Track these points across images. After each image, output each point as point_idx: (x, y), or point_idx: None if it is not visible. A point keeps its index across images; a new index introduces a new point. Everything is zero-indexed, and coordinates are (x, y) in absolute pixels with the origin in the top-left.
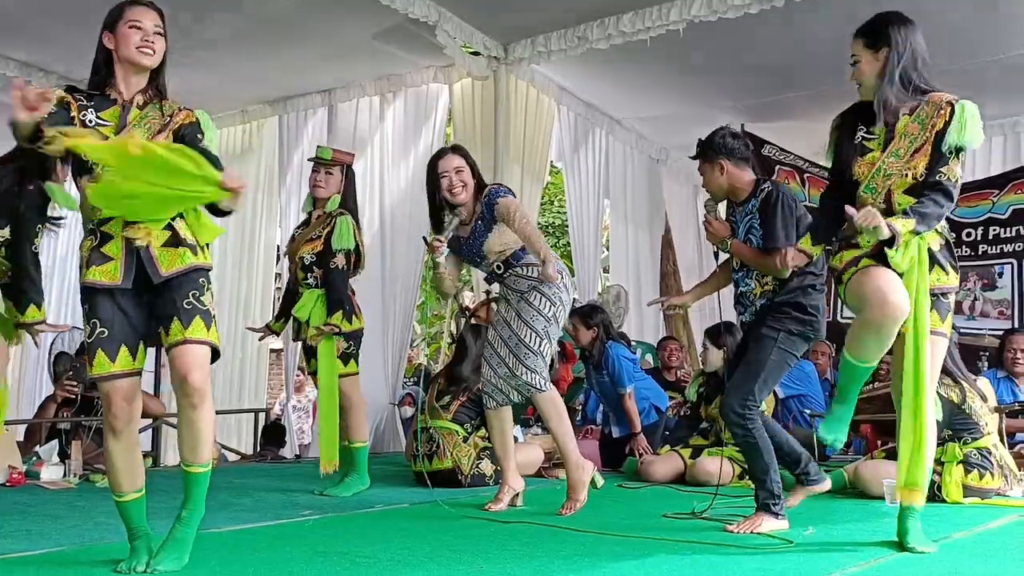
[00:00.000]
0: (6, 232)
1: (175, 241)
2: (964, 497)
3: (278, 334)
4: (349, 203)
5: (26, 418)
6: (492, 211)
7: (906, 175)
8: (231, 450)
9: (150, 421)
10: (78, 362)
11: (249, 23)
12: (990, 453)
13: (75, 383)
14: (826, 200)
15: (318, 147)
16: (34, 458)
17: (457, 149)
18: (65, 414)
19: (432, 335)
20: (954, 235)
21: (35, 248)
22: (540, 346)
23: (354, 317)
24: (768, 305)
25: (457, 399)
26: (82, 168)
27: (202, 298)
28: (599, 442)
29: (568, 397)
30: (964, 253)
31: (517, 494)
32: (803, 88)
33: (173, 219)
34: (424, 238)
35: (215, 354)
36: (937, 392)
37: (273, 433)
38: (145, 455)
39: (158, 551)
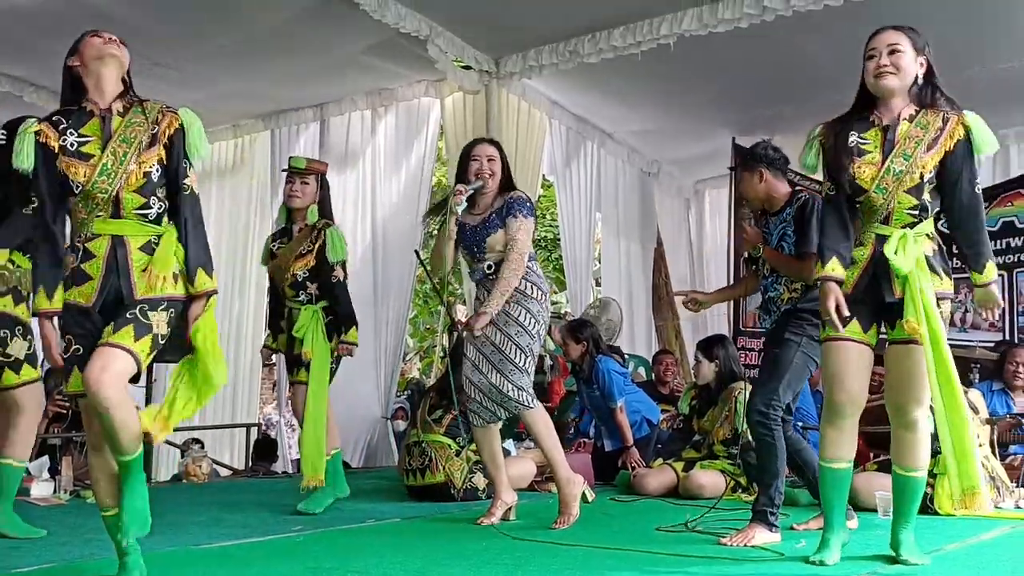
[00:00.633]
0: None
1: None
2: (956, 509)
3: (278, 351)
4: (327, 213)
5: None
6: (511, 213)
7: (915, 173)
8: (223, 465)
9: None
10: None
11: (241, 38)
12: (982, 465)
13: (66, 398)
14: (836, 221)
15: (291, 157)
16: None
17: (493, 141)
18: (56, 429)
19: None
20: (944, 247)
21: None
22: (525, 363)
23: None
24: (790, 310)
25: (449, 413)
26: (66, 189)
27: (149, 313)
28: (591, 455)
29: (561, 411)
30: (954, 265)
31: (510, 508)
32: (794, 102)
33: (157, 244)
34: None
35: (137, 374)
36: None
37: (265, 448)
38: None
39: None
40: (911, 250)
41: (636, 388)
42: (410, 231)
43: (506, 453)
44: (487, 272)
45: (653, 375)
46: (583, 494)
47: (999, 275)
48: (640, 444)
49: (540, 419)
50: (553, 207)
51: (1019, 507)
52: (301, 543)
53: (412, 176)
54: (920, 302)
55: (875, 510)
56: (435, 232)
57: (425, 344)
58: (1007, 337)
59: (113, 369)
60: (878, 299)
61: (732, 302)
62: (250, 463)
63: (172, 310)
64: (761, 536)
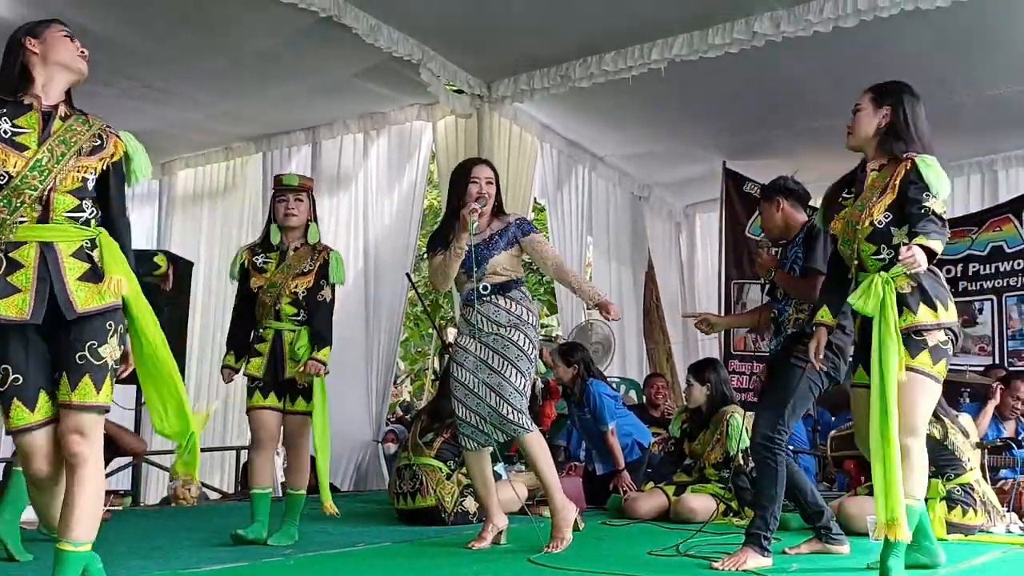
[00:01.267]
0: None
1: (93, 275)
2: (948, 533)
3: (238, 372)
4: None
5: (4, 457)
6: (520, 235)
7: (865, 222)
8: (212, 488)
9: (129, 459)
10: None
11: (234, 60)
12: (973, 489)
13: None
14: (830, 273)
15: (282, 175)
16: None
17: (489, 162)
18: None
19: (416, 371)
20: (936, 277)
21: None
22: (524, 386)
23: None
24: (797, 334)
25: (440, 436)
26: None
27: (100, 349)
28: (582, 479)
29: (552, 434)
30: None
31: (501, 532)
32: (784, 126)
33: (91, 250)
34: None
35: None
36: None
37: None
38: (125, 494)
39: None
40: (875, 292)
41: (627, 411)
42: (402, 254)
43: (497, 477)
44: (483, 293)
45: (644, 398)
46: (575, 522)
47: (989, 298)
48: (631, 467)
49: (536, 443)
50: (545, 230)
51: (1010, 531)
52: (292, 567)
53: (404, 199)
54: (877, 345)
55: (867, 534)
56: (427, 254)
57: (416, 367)
58: (996, 361)
59: (86, 431)
60: (868, 341)
61: None
62: (239, 486)
63: (120, 327)
64: (753, 560)
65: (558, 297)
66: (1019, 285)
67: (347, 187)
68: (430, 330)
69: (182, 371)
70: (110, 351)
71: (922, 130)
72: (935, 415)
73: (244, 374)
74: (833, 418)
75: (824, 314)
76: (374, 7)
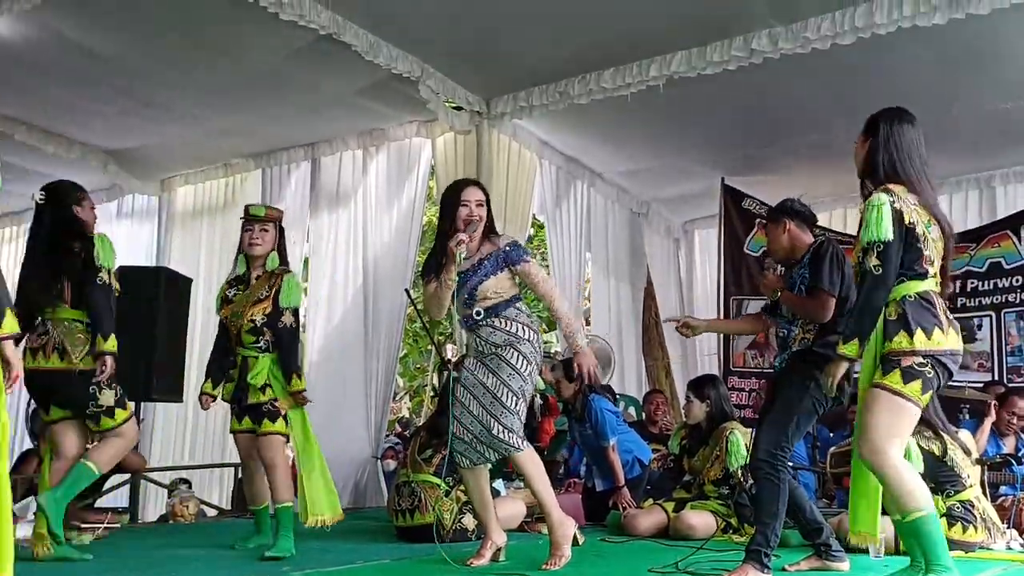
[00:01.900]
0: None
1: None
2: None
3: (216, 398)
4: (284, 260)
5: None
6: (510, 262)
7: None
8: (210, 505)
9: (128, 476)
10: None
11: (233, 77)
12: (973, 506)
13: None
14: None
15: (249, 206)
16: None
17: (479, 184)
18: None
19: (415, 388)
20: (925, 304)
21: None
22: (516, 405)
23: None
24: (802, 352)
25: (439, 452)
26: None
27: None
28: (582, 495)
29: (551, 450)
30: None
31: (499, 549)
32: (782, 142)
33: None
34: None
35: None
36: (918, 445)
37: None
38: (123, 511)
39: None
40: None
41: (628, 428)
42: (401, 270)
43: (495, 493)
44: (476, 318)
45: (644, 414)
46: (574, 537)
47: (988, 315)
48: (631, 484)
49: (529, 461)
50: (543, 247)
51: (1010, 548)
52: None
53: (403, 216)
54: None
55: (867, 551)
56: (423, 280)
57: (415, 383)
58: (996, 377)
59: None
60: None
61: (723, 342)
62: (235, 503)
63: None
64: None
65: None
66: (1017, 301)
67: (346, 204)
68: (429, 346)
69: (181, 389)
70: None
71: (901, 157)
72: (935, 431)
73: (222, 399)
74: (832, 434)
75: (852, 348)
76: (374, 24)
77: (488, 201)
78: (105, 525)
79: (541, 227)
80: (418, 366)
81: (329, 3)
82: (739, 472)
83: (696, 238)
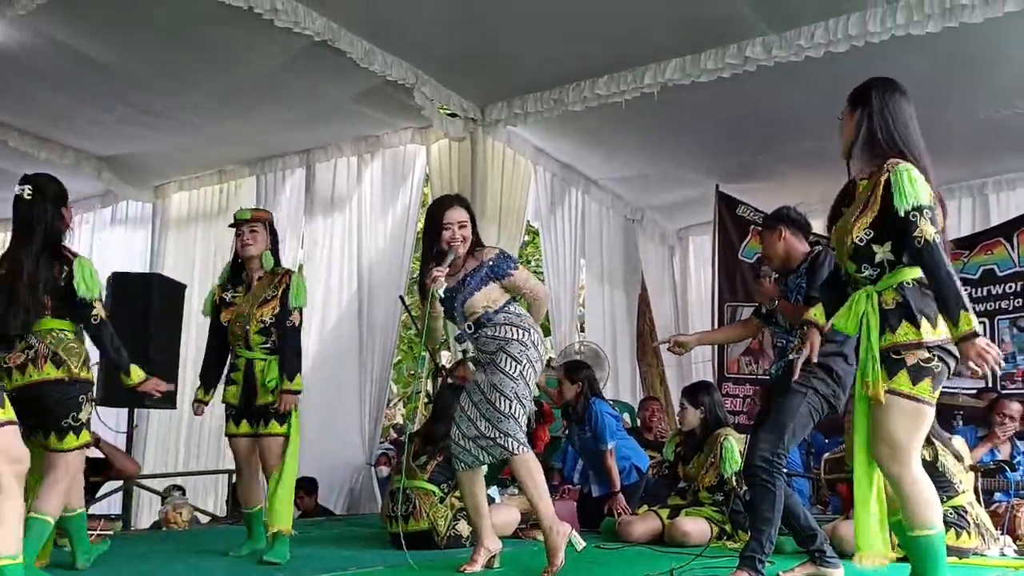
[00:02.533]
0: None
1: None
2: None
3: (208, 404)
4: (277, 260)
5: None
6: (497, 276)
7: (846, 240)
8: (204, 512)
9: (121, 483)
10: None
11: (229, 84)
12: (966, 512)
13: None
14: (834, 281)
15: (236, 212)
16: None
17: (462, 202)
18: None
19: (409, 394)
20: (925, 293)
21: None
22: (511, 408)
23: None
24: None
25: (434, 459)
26: None
27: None
28: (577, 502)
29: (545, 457)
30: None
31: (493, 555)
32: (776, 150)
33: None
34: (414, 292)
35: None
36: None
37: None
38: (115, 518)
39: None
40: (855, 310)
41: (627, 435)
42: (395, 276)
43: (490, 500)
44: (469, 332)
45: (639, 421)
46: (572, 542)
47: (981, 322)
48: (628, 491)
49: (528, 466)
50: (538, 253)
51: (1004, 554)
52: None
53: (398, 222)
54: (865, 363)
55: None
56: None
57: (409, 390)
58: (989, 384)
59: None
60: None
61: (717, 349)
62: (229, 509)
63: None
64: None
65: (551, 320)
66: (1011, 308)
67: (341, 210)
68: (423, 353)
69: (174, 397)
70: None
71: (900, 130)
72: (926, 437)
73: (222, 402)
74: (827, 440)
75: (817, 313)
76: (368, 31)
77: (473, 219)
78: (98, 532)
79: (536, 234)
80: (412, 372)
81: (324, 10)
82: (733, 479)
83: (690, 245)
